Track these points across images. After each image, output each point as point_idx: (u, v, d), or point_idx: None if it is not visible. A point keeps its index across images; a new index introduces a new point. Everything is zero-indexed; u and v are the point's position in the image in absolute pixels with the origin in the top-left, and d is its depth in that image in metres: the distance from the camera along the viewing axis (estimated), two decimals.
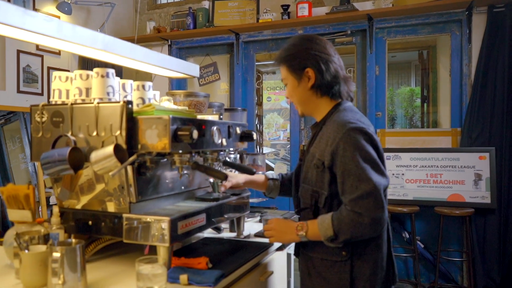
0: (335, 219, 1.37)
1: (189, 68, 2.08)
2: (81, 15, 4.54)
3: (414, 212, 3.55)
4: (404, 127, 6.51)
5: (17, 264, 1.36)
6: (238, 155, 2.23)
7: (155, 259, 1.27)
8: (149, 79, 4.50)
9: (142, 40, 4.72)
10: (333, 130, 1.43)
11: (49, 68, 4.14)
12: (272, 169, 4.87)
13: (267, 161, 4.77)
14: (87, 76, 1.59)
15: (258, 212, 2.51)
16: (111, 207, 1.51)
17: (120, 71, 4.37)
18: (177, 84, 4.86)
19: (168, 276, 1.33)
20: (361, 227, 1.33)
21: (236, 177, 1.86)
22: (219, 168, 1.82)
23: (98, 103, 1.48)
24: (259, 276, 1.70)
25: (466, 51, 3.74)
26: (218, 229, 2.03)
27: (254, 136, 1.94)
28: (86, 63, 4.49)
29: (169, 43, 4.80)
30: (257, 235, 2.00)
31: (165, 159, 1.57)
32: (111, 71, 1.57)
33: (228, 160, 1.93)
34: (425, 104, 5.36)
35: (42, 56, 4.08)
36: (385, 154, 1.45)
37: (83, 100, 1.58)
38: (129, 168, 1.45)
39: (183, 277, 1.35)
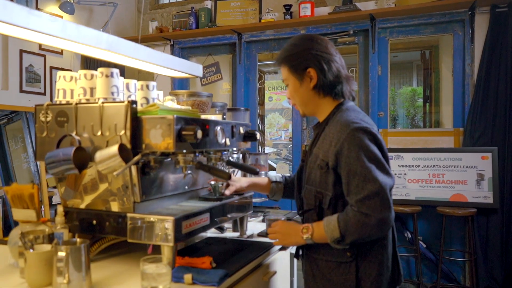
0: (341, 220, 1.35)
1: (192, 68, 2.08)
2: (83, 15, 4.55)
3: (416, 212, 3.55)
4: (405, 127, 6.51)
5: (22, 264, 1.37)
6: (241, 155, 2.24)
7: (160, 258, 1.28)
8: (151, 78, 4.51)
9: (145, 40, 4.73)
10: (337, 130, 1.41)
11: (51, 68, 4.15)
12: (274, 169, 4.87)
13: (269, 161, 4.77)
14: (92, 76, 1.60)
15: (261, 212, 2.52)
16: (115, 207, 1.51)
17: (123, 71, 4.38)
18: (179, 83, 4.86)
19: (172, 276, 1.33)
20: (368, 228, 1.31)
21: (239, 181, 1.85)
22: (223, 168, 1.83)
23: (102, 103, 1.49)
24: (263, 276, 1.70)
25: (469, 51, 3.74)
26: (221, 229, 2.04)
27: (258, 136, 1.94)
28: (89, 63, 4.50)
29: (172, 42, 4.81)
30: (260, 234, 2.00)
31: (169, 159, 1.57)
32: (116, 71, 1.58)
33: (232, 160, 1.93)
34: (427, 104, 5.36)
35: (44, 56, 4.08)
36: (388, 154, 1.44)
37: (87, 100, 1.59)
38: (133, 168, 1.45)
39: (188, 277, 1.35)
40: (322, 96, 1.52)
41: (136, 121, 1.45)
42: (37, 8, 3.99)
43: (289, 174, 1.94)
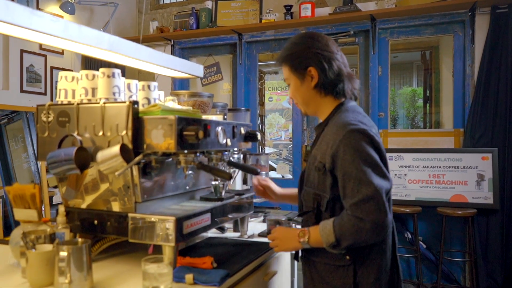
0: (337, 225, 1.33)
1: (193, 68, 2.08)
2: (84, 15, 4.55)
3: (417, 213, 3.56)
4: (405, 127, 6.52)
5: (23, 263, 1.37)
6: (241, 155, 2.24)
7: (161, 258, 1.28)
8: (152, 78, 4.51)
9: (145, 40, 4.73)
10: (334, 132, 1.39)
11: (52, 68, 4.15)
12: (274, 169, 4.87)
13: (269, 162, 4.77)
14: (93, 76, 1.60)
15: (262, 212, 2.52)
16: (116, 207, 1.51)
17: (123, 71, 4.38)
18: (179, 84, 4.87)
19: (173, 276, 1.33)
20: (363, 233, 1.28)
21: (273, 185, 1.82)
22: (224, 168, 1.83)
23: (104, 103, 1.49)
24: (263, 276, 1.71)
25: (469, 52, 3.74)
26: (222, 229, 2.04)
27: (259, 137, 1.94)
28: (89, 63, 4.50)
29: (172, 43, 4.81)
30: (261, 235, 2.00)
31: (170, 159, 1.58)
32: (117, 71, 1.58)
33: (232, 160, 1.94)
34: (428, 105, 5.37)
35: (45, 56, 4.09)
36: (388, 155, 1.42)
37: (89, 100, 1.59)
38: (135, 168, 1.45)
39: (189, 277, 1.35)
40: (323, 96, 1.49)
41: (137, 122, 1.45)
42: (37, 8, 4.00)
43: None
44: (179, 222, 1.41)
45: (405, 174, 3.74)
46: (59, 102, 1.64)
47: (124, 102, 1.46)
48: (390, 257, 1.43)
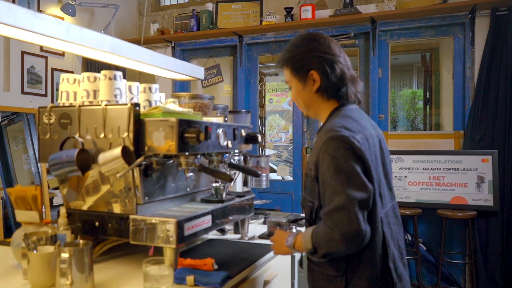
0: (314, 233, 1.31)
1: (193, 70, 2.09)
2: (85, 17, 4.56)
3: (417, 215, 3.56)
4: (406, 129, 6.52)
5: (25, 265, 1.37)
6: (242, 157, 2.24)
7: (162, 260, 1.28)
8: (152, 80, 4.53)
9: (146, 41, 4.74)
10: (319, 138, 1.37)
11: (53, 69, 4.16)
12: (275, 171, 4.88)
13: (270, 163, 4.77)
14: (95, 78, 1.61)
15: (262, 214, 2.52)
16: (117, 209, 1.52)
17: (124, 73, 4.39)
18: (180, 86, 4.87)
19: (174, 277, 1.34)
20: (334, 243, 1.25)
21: None
22: (224, 170, 1.83)
23: (106, 105, 1.50)
24: (264, 277, 1.71)
25: (469, 54, 3.75)
26: (223, 231, 2.05)
27: (259, 139, 1.95)
28: (90, 65, 4.51)
29: (173, 45, 4.82)
30: (261, 236, 2.01)
31: (171, 161, 1.58)
32: (119, 73, 1.59)
33: (233, 162, 1.94)
34: (428, 107, 5.38)
35: (46, 57, 4.10)
36: (370, 163, 1.34)
37: (90, 102, 1.60)
38: (136, 170, 1.46)
39: (190, 278, 1.36)
40: (325, 100, 1.46)
41: (139, 124, 1.46)
42: (38, 10, 4.01)
43: None
44: (180, 224, 1.42)
45: (405, 176, 3.74)
46: (61, 104, 1.64)
47: (126, 104, 1.47)
48: (381, 269, 1.35)
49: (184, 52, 4.93)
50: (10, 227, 3.28)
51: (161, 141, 1.43)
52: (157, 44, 4.88)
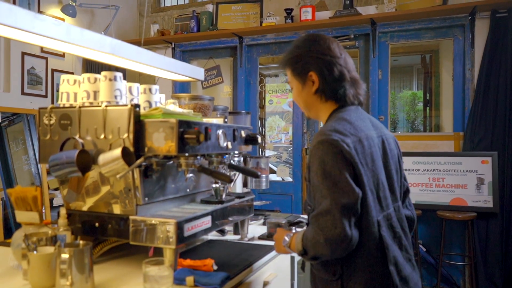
0: (304, 235, 1.32)
1: (193, 71, 2.09)
2: (85, 18, 4.57)
3: (417, 216, 3.55)
4: (406, 131, 6.53)
5: (25, 265, 1.38)
6: (242, 158, 2.25)
7: (162, 261, 1.29)
8: (152, 81, 4.53)
9: (146, 42, 4.75)
10: (312, 141, 1.36)
11: (53, 70, 4.16)
12: (275, 172, 4.88)
13: (269, 164, 4.77)
14: (95, 79, 1.61)
15: (262, 215, 2.53)
16: (117, 209, 1.52)
17: (124, 74, 4.39)
18: (180, 86, 4.88)
19: (174, 278, 1.34)
20: (319, 246, 1.26)
21: None
22: (224, 171, 1.84)
23: (106, 106, 1.50)
24: (263, 278, 1.71)
25: (469, 56, 3.75)
26: (222, 232, 2.05)
27: (259, 140, 1.95)
28: (90, 66, 4.52)
29: (173, 46, 4.83)
30: (261, 237, 2.01)
31: (171, 162, 1.58)
32: (119, 74, 1.59)
33: (233, 163, 1.94)
34: (428, 108, 5.38)
35: (46, 58, 4.10)
36: (362, 167, 1.31)
37: (91, 103, 1.60)
38: (136, 171, 1.46)
39: (189, 279, 1.36)
40: (324, 101, 1.46)
41: (139, 125, 1.46)
42: (39, 10, 4.01)
43: None
44: (180, 224, 1.42)
45: None
46: (61, 105, 1.65)
47: (126, 105, 1.47)
48: (381, 273, 1.32)
49: (184, 53, 4.94)
50: (10, 228, 3.28)
51: (161, 142, 1.43)
52: (157, 45, 4.89)
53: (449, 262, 3.69)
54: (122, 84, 1.62)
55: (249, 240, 1.98)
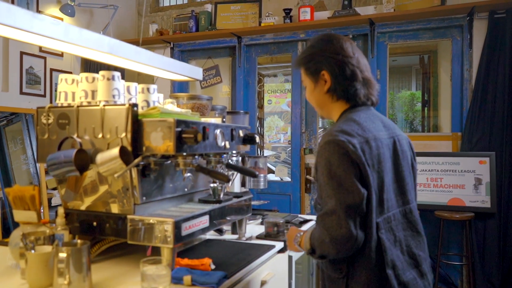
0: (312, 234, 1.36)
1: (192, 71, 2.10)
2: (84, 17, 4.57)
3: None
4: (404, 131, 6.53)
5: (23, 265, 1.38)
6: (240, 158, 2.25)
7: (159, 260, 1.29)
8: (151, 81, 4.53)
9: (145, 42, 4.74)
10: (320, 141, 1.38)
11: (51, 70, 4.16)
12: (273, 172, 4.88)
13: (268, 164, 4.77)
14: (93, 78, 1.61)
15: (260, 214, 2.53)
16: (115, 209, 1.52)
17: (123, 73, 4.39)
18: (179, 86, 4.88)
19: (172, 277, 1.34)
20: (325, 245, 1.28)
21: None
22: (222, 171, 1.84)
23: (104, 105, 1.50)
24: (261, 277, 1.71)
25: (467, 56, 3.76)
26: (220, 231, 2.05)
27: (257, 139, 1.96)
28: (89, 65, 4.52)
29: (172, 45, 4.83)
30: (259, 237, 2.01)
31: (169, 161, 1.59)
32: (117, 74, 1.59)
33: (231, 162, 1.95)
34: (426, 108, 5.39)
35: (45, 58, 4.10)
36: (369, 168, 1.32)
37: (89, 102, 1.60)
38: (134, 170, 1.46)
39: (187, 278, 1.36)
40: (335, 100, 1.47)
41: (137, 124, 1.46)
42: (37, 10, 4.01)
43: None
44: (178, 224, 1.42)
45: None
46: (59, 105, 1.65)
47: (124, 104, 1.48)
48: (379, 275, 1.32)
49: (183, 53, 4.94)
50: (9, 227, 3.28)
51: (159, 141, 1.43)
52: (156, 44, 4.88)
53: (447, 262, 3.69)
54: (120, 84, 1.62)
55: (246, 239, 1.99)
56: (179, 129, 1.43)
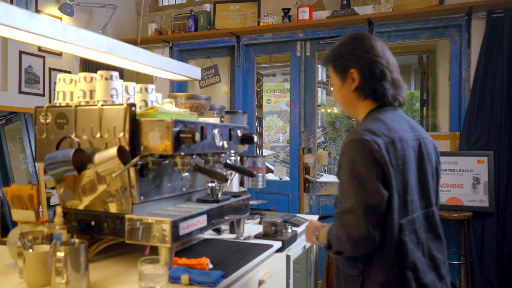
0: (330, 230, 1.37)
1: (190, 71, 2.10)
2: (83, 17, 4.57)
3: None
4: None
5: (21, 264, 1.38)
6: (238, 158, 2.25)
7: (157, 259, 1.29)
8: (150, 81, 4.53)
9: (144, 42, 4.74)
10: (345, 139, 1.38)
11: (50, 69, 4.16)
12: (272, 171, 4.89)
13: (266, 164, 4.78)
14: (91, 78, 1.62)
15: (258, 214, 2.53)
16: (113, 208, 1.53)
17: (121, 73, 4.39)
18: (178, 86, 4.88)
19: (169, 276, 1.35)
20: (342, 243, 1.30)
21: None
22: (220, 171, 1.85)
23: (102, 105, 1.51)
24: (259, 277, 1.72)
25: (465, 56, 3.77)
26: (218, 231, 2.06)
27: (255, 139, 1.96)
28: (88, 65, 4.52)
29: (170, 45, 4.83)
30: (257, 236, 2.02)
31: (167, 161, 1.59)
32: (115, 73, 1.60)
33: (229, 162, 1.95)
34: (425, 108, 5.39)
35: (44, 57, 4.10)
36: (391, 168, 1.32)
37: (87, 102, 1.61)
38: (132, 170, 1.47)
39: (184, 278, 1.37)
40: (362, 99, 1.46)
41: (135, 124, 1.47)
42: (36, 9, 4.01)
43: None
44: (175, 223, 1.43)
45: None
46: (57, 104, 1.65)
47: (122, 104, 1.48)
48: (398, 276, 1.31)
49: (181, 53, 4.94)
50: (7, 226, 3.29)
51: (157, 141, 1.44)
52: (155, 44, 4.88)
53: None
54: (118, 83, 1.62)
55: (245, 239, 1.99)
56: (177, 129, 1.44)
